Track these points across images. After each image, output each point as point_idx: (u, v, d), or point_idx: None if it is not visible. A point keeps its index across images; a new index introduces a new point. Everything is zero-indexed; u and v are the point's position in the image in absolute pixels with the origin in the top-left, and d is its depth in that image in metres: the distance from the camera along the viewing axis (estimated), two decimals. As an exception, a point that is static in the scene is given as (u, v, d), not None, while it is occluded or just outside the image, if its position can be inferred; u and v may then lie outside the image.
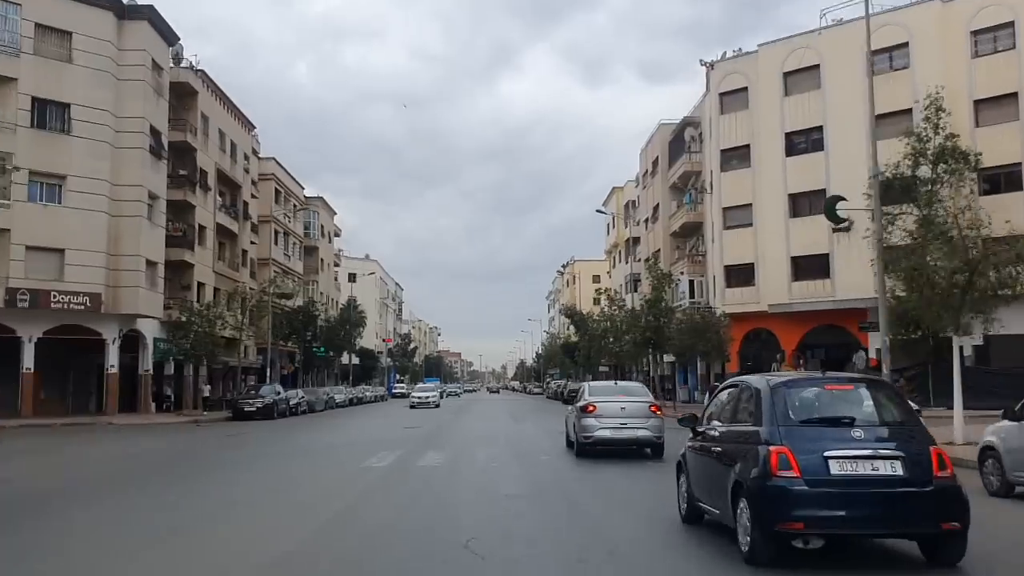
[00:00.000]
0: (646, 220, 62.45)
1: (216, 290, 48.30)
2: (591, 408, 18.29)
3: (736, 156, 43.72)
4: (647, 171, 62.15)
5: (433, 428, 31.51)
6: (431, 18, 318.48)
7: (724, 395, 9.22)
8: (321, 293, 74.22)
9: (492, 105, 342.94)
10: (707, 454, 8.86)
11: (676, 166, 53.16)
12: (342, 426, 34.38)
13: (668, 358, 52.75)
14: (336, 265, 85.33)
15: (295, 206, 67.06)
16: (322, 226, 75.01)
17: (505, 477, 14.84)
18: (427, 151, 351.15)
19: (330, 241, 79.71)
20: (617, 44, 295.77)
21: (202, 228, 45.96)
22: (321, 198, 74.65)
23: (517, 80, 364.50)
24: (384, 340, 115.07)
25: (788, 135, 41.07)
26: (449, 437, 26.24)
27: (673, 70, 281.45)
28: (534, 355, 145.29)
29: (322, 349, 63.84)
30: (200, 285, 45.88)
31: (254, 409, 37.69)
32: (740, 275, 43.55)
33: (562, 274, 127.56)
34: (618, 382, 25.80)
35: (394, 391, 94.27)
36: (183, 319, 40.49)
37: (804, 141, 40.81)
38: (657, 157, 57.69)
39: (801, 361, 39.80)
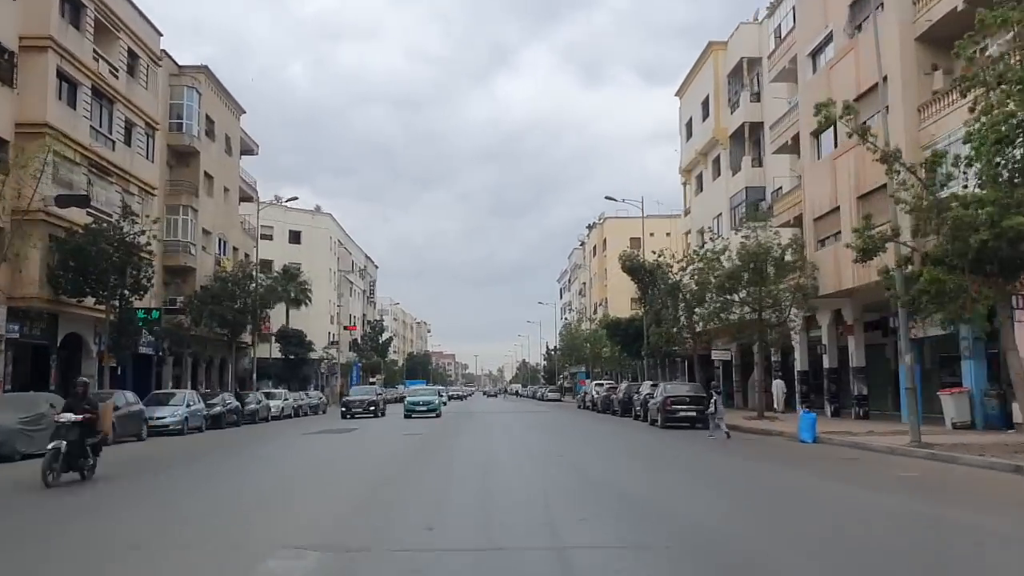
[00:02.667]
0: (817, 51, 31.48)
1: None
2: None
3: None
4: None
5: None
6: (428, 19, 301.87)
7: None
8: (206, 232, 44.09)
9: (489, 107, 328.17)
10: None
11: None
12: None
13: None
14: (249, 200, 55.02)
15: (131, 53, 36.82)
16: (209, 120, 44.76)
17: None
18: (424, 153, 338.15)
19: (230, 153, 49.36)
20: (617, 45, 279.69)
21: None
22: (206, 69, 44.27)
23: (515, 81, 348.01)
24: (346, 328, 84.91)
25: None
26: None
27: (673, 72, 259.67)
28: (543, 352, 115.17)
29: (153, 314, 33.67)
30: None
31: None
32: None
33: (583, 245, 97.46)
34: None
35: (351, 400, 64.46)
36: None
37: None
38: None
39: None
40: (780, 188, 35.01)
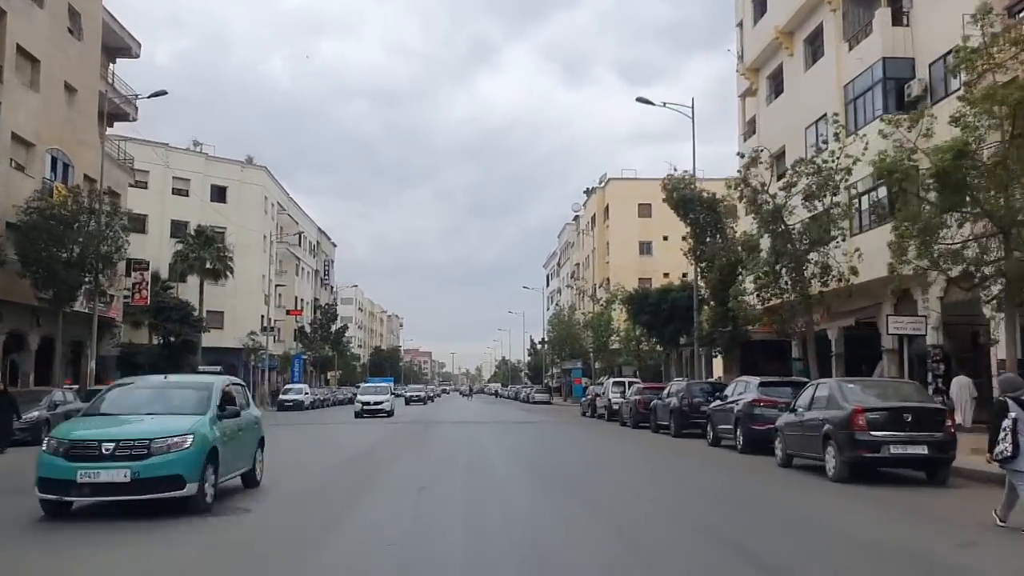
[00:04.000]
0: None
1: None
2: None
3: None
4: None
5: None
6: (409, 14, 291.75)
7: None
8: (21, 141, 28.34)
9: (470, 104, 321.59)
10: None
11: None
12: None
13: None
14: (126, 118, 39.25)
15: None
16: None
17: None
18: (404, 150, 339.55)
19: (80, 38, 33.35)
20: (599, 44, 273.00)
21: None
22: None
23: (496, 79, 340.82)
24: (289, 312, 69.31)
25: None
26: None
27: (653, 73, 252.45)
28: (527, 346, 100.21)
29: None
30: None
31: None
32: None
33: (577, 219, 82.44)
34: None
35: (286, 401, 49.49)
36: None
37: None
38: None
39: None
40: (957, 51, 19.73)
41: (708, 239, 26.31)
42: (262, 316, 60.20)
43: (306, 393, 52.99)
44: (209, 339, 53.32)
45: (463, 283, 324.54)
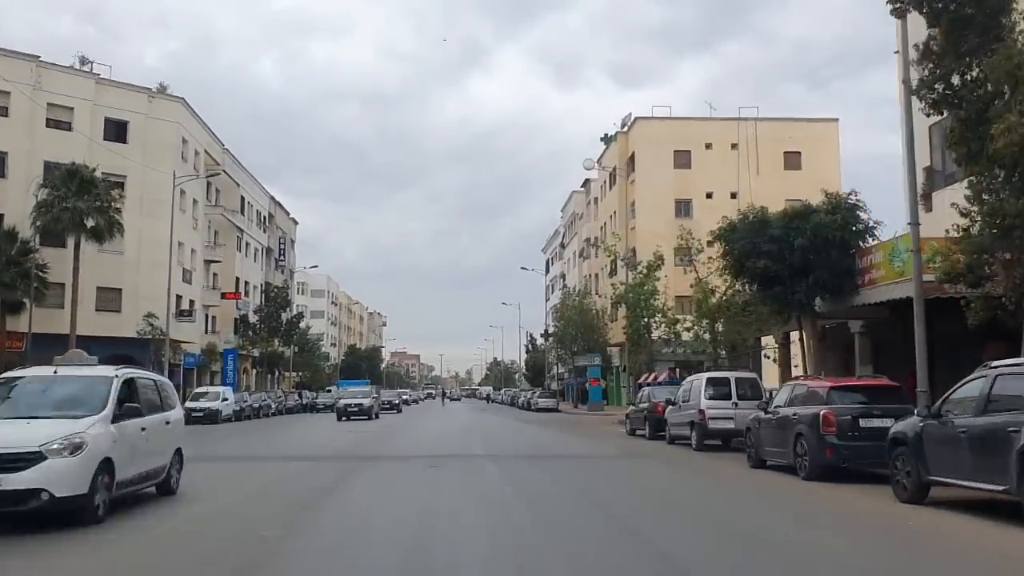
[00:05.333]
0: None
1: None
2: None
3: None
4: None
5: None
6: (400, 16, 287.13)
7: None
8: None
9: (461, 106, 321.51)
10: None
11: None
12: None
13: None
14: None
15: None
16: None
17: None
18: (394, 153, 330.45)
19: None
20: (590, 46, 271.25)
21: None
22: None
23: (487, 81, 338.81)
24: (225, 296, 54.32)
25: None
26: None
27: (645, 75, 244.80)
28: (525, 343, 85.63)
29: None
30: None
31: None
32: None
33: (587, 186, 67.68)
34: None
35: (195, 410, 34.95)
36: None
37: None
38: None
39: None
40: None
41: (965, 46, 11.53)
42: (179, 297, 45.18)
43: (225, 400, 38.07)
44: (99, 325, 38.62)
45: (454, 286, 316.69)
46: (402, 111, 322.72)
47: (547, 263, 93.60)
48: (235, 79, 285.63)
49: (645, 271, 34.98)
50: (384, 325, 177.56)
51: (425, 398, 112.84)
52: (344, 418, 37.64)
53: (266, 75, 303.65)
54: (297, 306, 75.85)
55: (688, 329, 30.20)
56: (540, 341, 76.02)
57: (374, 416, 39.76)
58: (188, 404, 36.29)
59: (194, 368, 48.10)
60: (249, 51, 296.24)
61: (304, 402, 57.29)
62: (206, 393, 39.07)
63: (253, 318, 58.33)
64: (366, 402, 39.43)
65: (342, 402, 40.20)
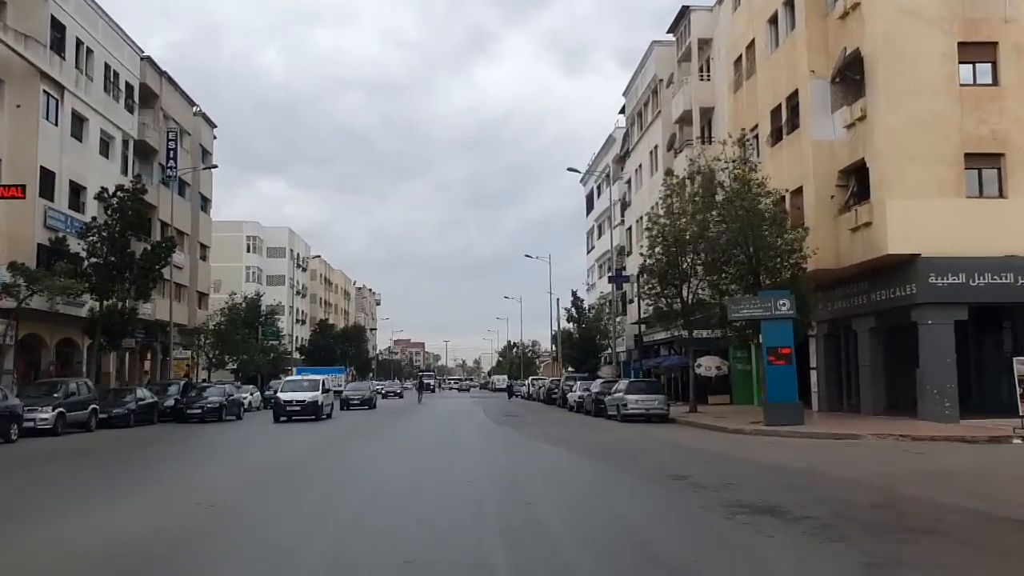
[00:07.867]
0: None
1: None
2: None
3: None
4: None
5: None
6: (405, 2, 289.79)
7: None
8: None
9: (468, 94, 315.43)
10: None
11: None
12: None
13: None
14: None
15: None
16: None
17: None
18: (401, 142, 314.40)
19: None
20: (598, 31, 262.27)
21: None
22: None
23: (494, 69, 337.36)
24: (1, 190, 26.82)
25: None
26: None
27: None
28: (568, 306, 57.80)
29: None
30: None
31: None
32: None
33: (683, 29, 39.97)
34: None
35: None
36: None
37: None
38: None
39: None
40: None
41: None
42: None
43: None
44: None
45: (462, 276, 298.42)
46: (408, 99, 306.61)
47: (589, 197, 65.95)
48: (240, 69, 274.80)
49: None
50: (378, 304, 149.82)
51: (428, 388, 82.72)
52: (284, 418, 29.82)
53: (271, 64, 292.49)
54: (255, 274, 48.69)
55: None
56: (604, 292, 48.23)
57: (324, 416, 31.32)
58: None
59: None
60: (253, 40, 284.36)
61: (245, 397, 38.08)
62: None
63: (81, 246, 31.02)
64: (309, 397, 30.64)
65: (282, 396, 31.03)
